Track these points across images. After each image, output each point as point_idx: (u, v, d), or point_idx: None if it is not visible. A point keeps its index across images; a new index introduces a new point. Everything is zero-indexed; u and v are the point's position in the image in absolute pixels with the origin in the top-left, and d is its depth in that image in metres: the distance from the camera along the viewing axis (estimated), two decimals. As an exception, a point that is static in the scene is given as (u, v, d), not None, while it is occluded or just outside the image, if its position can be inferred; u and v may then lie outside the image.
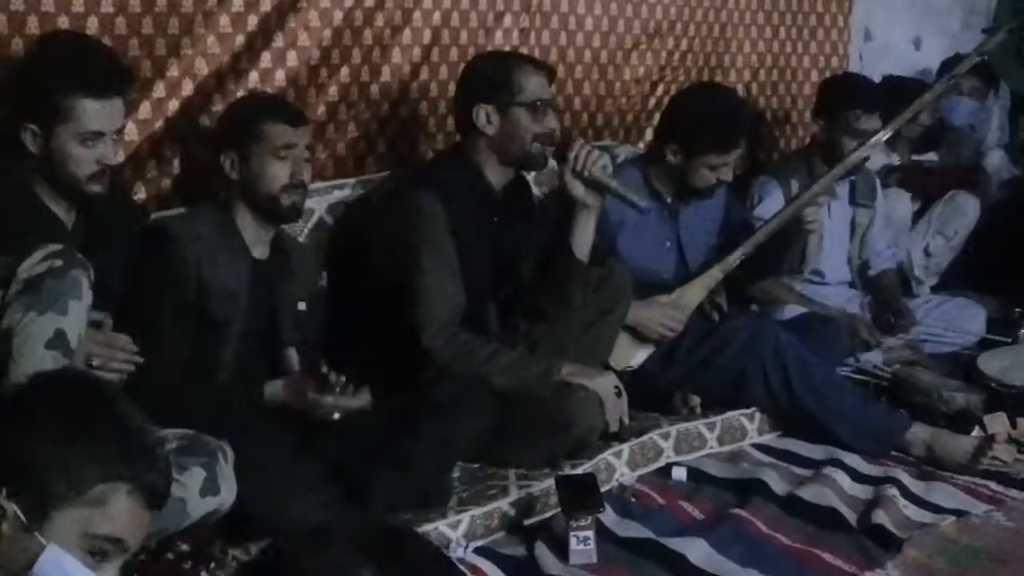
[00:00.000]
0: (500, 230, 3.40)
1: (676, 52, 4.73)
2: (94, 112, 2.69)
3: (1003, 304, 4.78)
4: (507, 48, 4.07)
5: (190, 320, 2.92)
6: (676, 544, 2.88)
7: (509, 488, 3.06)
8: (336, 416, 2.92)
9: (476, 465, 3.17)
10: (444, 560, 1.32)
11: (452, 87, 3.63)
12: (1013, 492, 3.37)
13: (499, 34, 4.13)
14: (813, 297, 4.33)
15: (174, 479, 2.40)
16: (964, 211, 5.05)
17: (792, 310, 4.21)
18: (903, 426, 3.66)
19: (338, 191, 3.57)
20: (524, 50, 4.09)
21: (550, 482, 3.04)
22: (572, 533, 2.81)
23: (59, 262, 2.42)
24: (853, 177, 4.38)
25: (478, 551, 2.86)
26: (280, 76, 3.55)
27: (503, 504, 3.00)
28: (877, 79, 4.97)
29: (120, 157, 2.91)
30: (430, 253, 3.22)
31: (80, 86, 2.68)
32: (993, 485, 3.41)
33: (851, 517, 3.14)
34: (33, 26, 3.03)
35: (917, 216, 5.07)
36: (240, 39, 3.46)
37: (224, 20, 3.42)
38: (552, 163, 3.41)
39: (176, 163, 3.36)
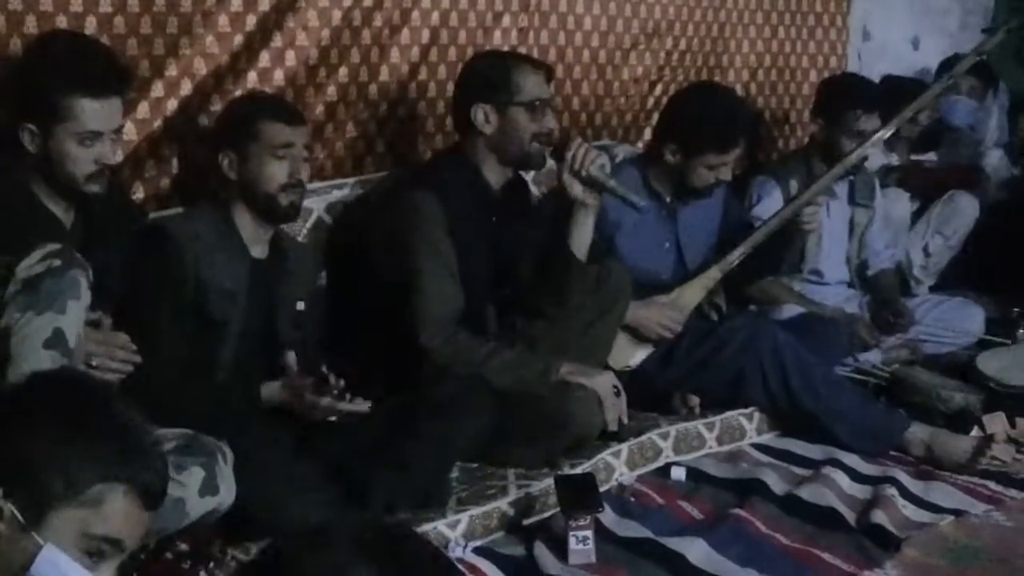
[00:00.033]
0: (498, 230, 3.40)
1: (675, 52, 4.73)
2: (92, 112, 2.69)
3: (1002, 304, 4.78)
4: (506, 48, 4.07)
5: (188, 320, 2.92)
6: (675, 544, 2.88)
7: (508, 488, 3.06)
8: (333, 418, 2.92)
9: (475, 465, 3.17)
10: (443, 560, 1.31)
11: (450, 87, 3.63)
12: (1012, 492, 3.38)
13: (498, 34, 4.12)
14: (812, 297, 4.33)
15: (173, 479, 2.41)
16: (963, 211, 5.05)
17: (791, 310, 4.21)
18: (902, 426, 3.66)
19: (337, 191, 3.57)
20: (523, 50, 4.09)
21: (549, 482, 3.04)
22: (571, 533, 2.81)
23: (57, 262, 2.42)
24: (852, 177, 4.38)
25: (477, 551, 2.86)
26: (279, 76, 3.55)
27: (502, 504, 2.99)
28: (876, 79, 4.97)
29: (119, 157, 2.91)
30: (428, 253, 3.22)
31: (78, 86, 2.68)
32: (992, 485, 3.41)
33: (850, 517, 3.14)
34: (31, 25, 3.02)
35: (916, 216, 5.07)
36: (239, 39, 3.45)
37: (223, 20, 3.41)
38: (551, 163, 3.41)
39: (174, 163, 3.35)
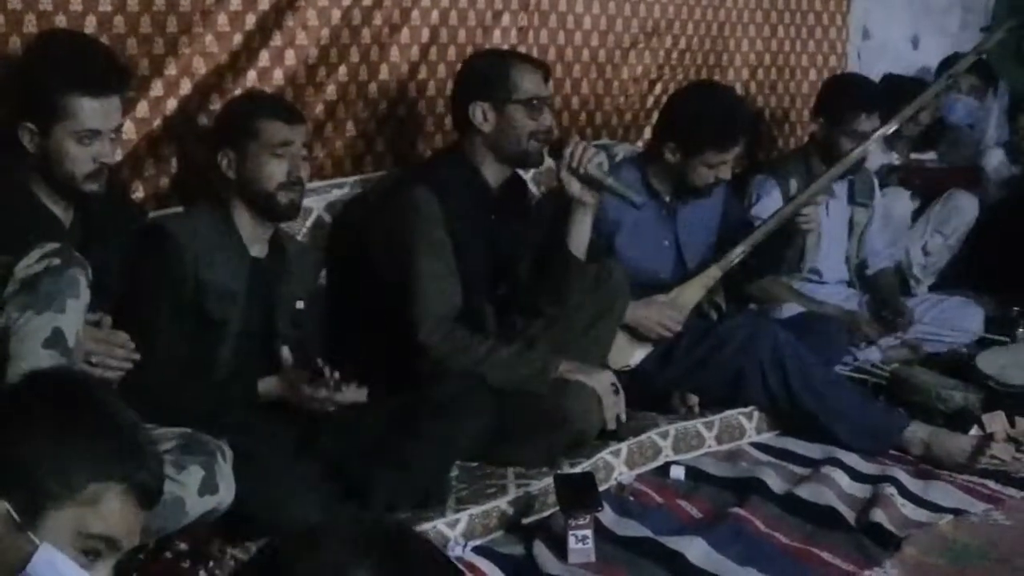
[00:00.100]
0: (497, 228, 3.40)
1: (674, 51, 4.72)
2: (91, 110, 2.69)
3: (1001, 303, 4.78)
4: (505, 47, 4.07)
5: (188, 319, 2.92)
6: (674, 543, 2.88)
7: (508, 487, 3.06)
8: (331, 409, 2.92)
9: (475, 464, 3.17)
10: (443, 559, 1.31)
11: (450, 86, 3.63)
12: (1011, 491, 3.37)
13: (497, 33, 4.12)
14: (811, 296, 4.32)
15: (172, 478, 2.42)
16: (962, 210, 5.05)
17: (790, 309, 4.21)
18: (901, 425, 3.66)
19: (336, 190, 3.57)
20: (522, 49, 4.09)
21: (548, 481, 3.04)
22: (571, 532, 2.81)
23: (57, 261, 2.42)
24: (851, 176, 4.38)
25: (476, 550, 2.86)
26: (278, 75, 3.54)
27: (502, 503, 2.99)
28: (875, 78, 4.97)
29: (118, 156, 2.91)
30: (427, 251, 3.22)
31: (78, 85, 2.68)
32: (991, 484, 3.41)
33: (849, 516, 3.14)
34: (31, 24, 3.02)
35: (916, 215, 5.07)
36: (238, 38, 3.45)
37: (222, 19, 3.41)
38: (550, 161, 3.41)
39: (174, 162, 3.35)
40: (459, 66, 3.59)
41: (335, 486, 2.82)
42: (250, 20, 3.47)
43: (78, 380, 1.83)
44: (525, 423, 3.14)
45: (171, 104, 3.32)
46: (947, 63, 5.12)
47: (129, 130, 3.19)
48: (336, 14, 3.68)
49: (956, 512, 3.22)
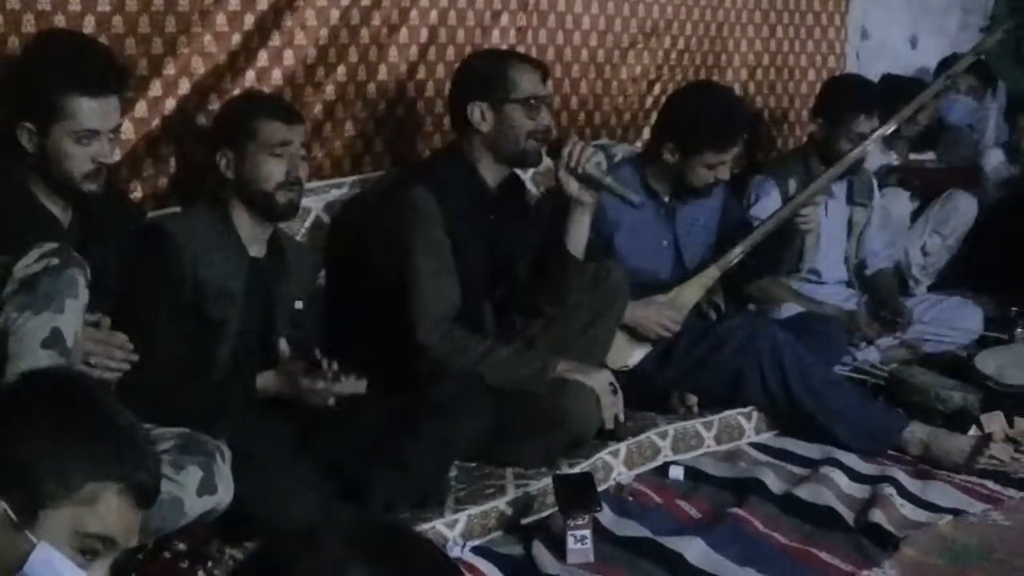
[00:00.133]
0: (495, 228, 3.40)
1: (673, 51, 4.72)
2: (90, 110, 2.69)
3: (1000, 303, 4.78)
4: (504, 47, 4.07)
5: (187, 319, 2.92)
6: (673, 543, 2.88)
7: (506, 487, 3.06)
8: (330, 402, 2.92)
9: (473, 464, 3.17)
10: (442, 558, 1.31)
11: (448, 86, 3.63)
12: (1010, 491, 3.38)
13: (496, 33, 4.12)
14: (810, 296, 4.33)
15: (171, 479, 2.42)
16: (961, 210, 5.05)
17: (789, 309, 4.21)
18: (900, 425, 3.66)
19: (335, 190, 3.57)
20: (521, 49, 4.08)
21: (547, 481, 3.04)
22: (569, 532, 2.81)
23: (55, 261, 2.42)
24: (850, 177, 4.38)
25: (475, 550, 2.86)
26: (277, 75, 3.54)
27: (500, 503, 2.99)
28: (874, 78, 4.97)
29: (116, 156, 2.90)
30: (425, 250, 3.22)
31: (76, 85, 2.68)
32: (990, 484, 3.41)
33: (848, 516, 3.14)
34: (29, 24, 3.02)
35: (915, 215, 5.08)
36: (237, 38, 3.45)
37: (221, 19, 3.41)
38: (549, 161, 3.41)
39: (172, 162, 3.35)
40: (457, 66, 3.58)
41: (334, 486, 2.81)
42: (248, 20, 3.47)
43: (75, 379, 1.82)
44: (524, 423, 3.14)
45: (170, 104, 3.32)
46: (946, 63, 5.13)
47: (128, 130, 3.19)
48: (334, 14, 3.67)
49: (955, 512, 3.22)
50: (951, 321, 4.58)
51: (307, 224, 3.45)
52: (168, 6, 3.29)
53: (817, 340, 3.87)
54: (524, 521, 3.01)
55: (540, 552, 2.85)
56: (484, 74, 3.37)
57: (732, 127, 3.79)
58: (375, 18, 3.79)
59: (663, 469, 3.43)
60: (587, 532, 2.82)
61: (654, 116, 4.32)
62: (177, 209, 3.21)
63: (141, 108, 3.26)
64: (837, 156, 4.14)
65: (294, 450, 2.89)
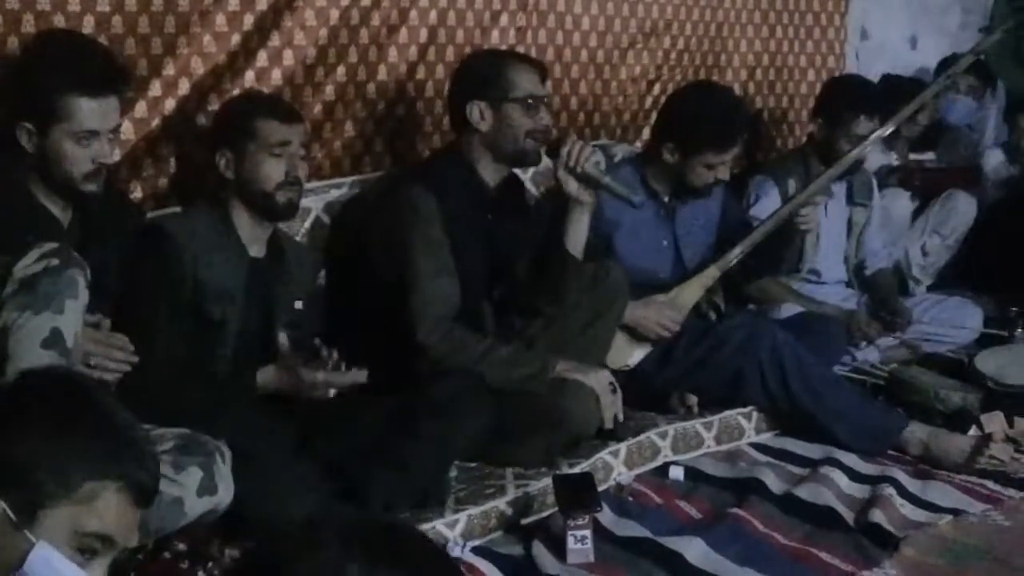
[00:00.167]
0: (494, 227, 3.40)
1: (673, 51, 4.72)
2: (90, 111, 2.69)
3: (1000, 303, 4.78)
4: (503, 47, 4.07)
5: (187, 319, 2.92)
6: (673, 543, 2.88)
7: (507, 487, 3.06)
8: (331, 393, 2.91)
9: (473, 464, 3.17)
10: (439, 554, 1.30)
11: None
12: (1010, 491, 3.38)
13: (495, 33, 4.12)
14: (810, 296, 4.33)
15: (171, 479, 2.42)
16: (960, 211, 5.05)
17: (789, 309, 4.21)
18: (900, 425, 3.66)
19: (335, 190, 3.57)
20: (521, 49, 4.09)
21: (547, 481, 3.04)
22: (570, 532, 2.81)
23: (55, 261, 2.42)
24: (850, 177, 4.38)
25: (475, 550, 2.85)
26: (276, 75, 3.54)
27: (500, 503, 2.99)
28: (874, 78, 4.97)
29: (116, 156, 2.90)
30: (425, 250, 3.22)
31: (76, 85, 2.68)
32: (990, 484, 3.41)
33: (848, 516, 3.14)
34: (29, 24, 3.02)
35: (915, 215, 5.08)
36: (236, 38, 3.45)
37: (220, 19, 3.41)
38: (549, 162, 3.41)
39: (172, 162, 3.35)
40: (456, 66, 3.58)
41: (334, 486, 2.81)
42: (248, 20, 3.47)
43: (73, 378, 1.82)
44: (523, 422, 3.14)
45: (169, 104, 3.32)
46: (945, 63, 5.13)
47: (127, 130, 3.19)
48: (334, 14, 3.67)
49: (955, 512, 3.22)
50: (951, 321, 4.58)
51: (307, 224, 3.45)
52: (167, 6, 3.29)
53: (817, 340, 3.87)
54: (524, 521, 3.01)
55: (540, 552, 2.85)
56: (483, 74, 3.37)
57: (732, 127, 3.79)
58: (374, 18, 3.79)
59: (663, 469, 3.43)
60: (587, 532, 2.82)
61: (654, 116, 4.32)
62: (177, 209, 3.20)
63: (141, 108, 3.26)
64: (837, 156, 4.14)
65: (294, 450, 2.90)
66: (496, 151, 3.37)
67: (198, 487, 2.50)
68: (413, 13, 3.89)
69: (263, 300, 3.04)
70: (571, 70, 4.41)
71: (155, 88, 3.29)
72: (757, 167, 4.60)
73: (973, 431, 3.69)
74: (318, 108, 3.67)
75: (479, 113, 3.33)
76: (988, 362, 4.10)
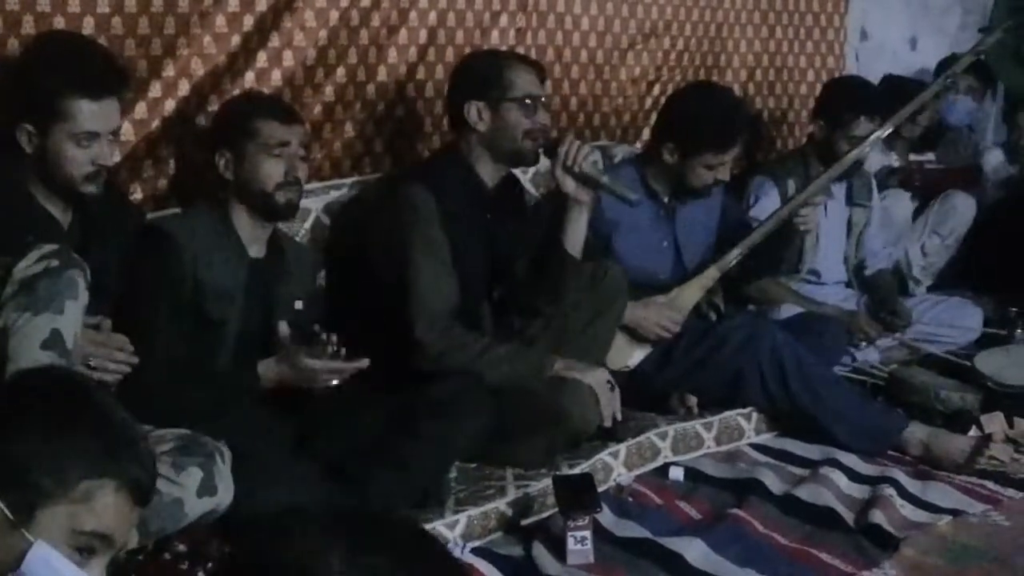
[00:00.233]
0: (493, 228, 3.40)
1: (672, 52, 4.73)
2: (90, 113, 2.69)
3: (1000, 303, 4.78)
4: (503, 48, 4.07)
5: (187, 319, 2.92)
6: (673, 544, 2.88)
7: (507, 488, 3.06)
8: (334, 382, 2.91)
9: (473, 465, 3.17)
10: (424, 539, 1.27)
11: (447, 86, 3.63)
12: (1010, 491, 3.37)
13: (495, 34, 4.12)
14: (810, 296, 4.33)
15: (171, 480, 2.43)
16: (959, 211, 5.05)
17: (789, 310, 4.21)
18: (900, 425, 3.66)
19: (335, 191, 3.57)
20: (520, 50, 4.08)
21: (547, 482, 3.04)
22: (569, 533, 2.81)
23: (55, 262, 2.42)
24: (850, 177, 4.38)
25: (475, 551, 2.85)
26: (276, 76, 3.54)
27: (500, 504, 2.99)
28: (874, 79, 4.97)
29: (116, 158, 2.90)
30: (424, 249, 3.22)
31: (76, 86, 2.68)
32: (990, 484, 3.41)
33: (848, 517, 3.14)
34: (29, 26, 3.02)
35: (916, 216, 5.07)
36: (236, 39, 3.45)
37: (220, 20, 3.41)
38: (546, 162, 3.41)
39: (172, 163, 3.35)
40: (454, 66, 3.59)
41: (334, 486, 2.81)
42: (248, 21, 3.47)
43: (70, 377, 1.83)
44: (523, 422, 3.14)
45: (169, 105, 3.32)
46: (945, 64, 5.12)
47: (127, 131, 3.19)
48: (334, 15, 3.68)
49: (955, 513, 3.22)
50: (951, 321, 4.58)
51: (307, 224, 3.45)
52: (167, 7, 3.30)
53: (817, 340, 3.87)
54: (524, 522, 3.01)
55: (540, 553, 2.85)
56: (481, 74, 3.37)
57: (732, 128, 3.79)
58: (374, 19, 3.79)
59: (663, 470, 3.43)
60: (587, 533, 2.82)
61: (654, 116, 4.32)
62: (177, 210, 3.21)
63: (141, 109, 3.26)
64: (837, 157, 4.14)
65: (294, 450, 2.90)
66: (494, 151, 3.37)
67: (198, 488, 2.51)
68: (413, 14, 3.89)
69: (263, 300, 3.05)
70: (571, 70, 4.41)
71: (155, 89, 3.29)
72: (757, 167, 4.60)
73: (973, 431, 3.69)
74: (318, 109, 3.67)
75: (477, 113, 3.33)
76: (988, 362, 4.10)
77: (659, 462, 3.46)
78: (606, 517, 3.02)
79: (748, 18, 4.98)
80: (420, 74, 3.92)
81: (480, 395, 3.09)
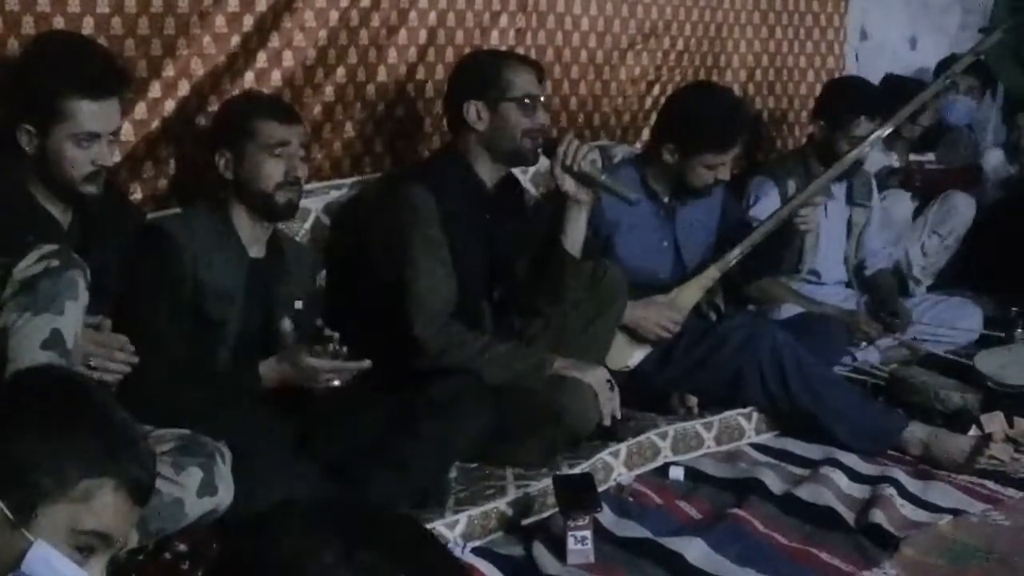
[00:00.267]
0: (492, 227, 3.40)
1: (672, 52, 4.72)
2: (90, 113, 2.69)
3: (1000, 303, 4.78)
4: (503, 48, 4.07)
5: (187, 320, 2.92)
6: (674, 544, 2.88)
7: (507, 488, 3.06)
8: (335, 383, 2.91)
9: (474, 465, 3.17)
10: (419, 533, 1.27)
11: (446, 86, 3.63)
12: (1010, 491, 3.37)
13: (495, 34, 4.12)
14: (810, 296, 4.33)
15: (171, 480, 2.43)
16: (959, 211, 5.05)
17: (789, 309, 4.21)
18: (900, 425, 3.66)
19: (335, 191, 3.57)
20: (520, 50, 4.08)
21: (548, 482, 3.04)
22: (570, 533, 2.81)
23: (55, 262, 2.42)
24: (850, 177, 4.38)
25: (476, 551, 2.85)
26: (276, 76, 3.54)
27: (501, 504, 2.99)
28: (874, 79, 4.97)
29: (116, 158, 2.91)
30: (423, 248, 3.22)
31: (76, 87, 2.68)
32: (990, 484, 3.41)
33: (848, 516, 3.14)
34: (29, 26, 3.02)
35: (916, 216, 5.07)
36: (236, 39, 3.45)
37: (220, 20, 3.41)
38: (546, 162, 3.41)
39: (172, 163, 3.35)
40: (453, 66, 3.59)
41: (334, 486, 2.81)
42: (248, 22, 3.47)
43: (69, 377, 1.83)
44: (523, 422, 3.14)
45: (169, 105, 3.32)
46: (945, 64, 5.12)
47: (127, 131, 3.19)
48: (334, 16, 3.67)
49: (955, 512, 3.22)
50: (951, 321, 4.58)
51: (307, 224, 3.45)
52: (167, 8, 3.29)
53: (817, 340, 3.88)
54: (524, 522, 3.01)
55: (540, 553, 2.85)
56: (480, 73, 3.37)
57: (732, 128, 3.79)
58: (374, 19, 3.79)
59: (663, 470, 3.43)
60: (587, 533, 2.82)
61: (654, 117, 4.32)
62: (177, 210, 3.21)
63: (140, 109, 3.26)
64: (837, 157, 4.14)
65: (294, 450, 2.90)
66: (493, 151, 3.37)
67: (198, 488, 2.51)
68: (412, 14, 3.89)
69: (263, 300, 3.05)
70: (571, 71, 4.41)
71: (155, 89, 3.29)
72: (757, 167, 4.60)
73: (973, 431, 3.69)
74: (318, 109, 3.67)
75: (476, 113, 3.33)
76: (988, 362, 4.10)
77: (659, 462, 3.46)
78: (606, 517, 3.02)
79: (748, 18, 4.98)
80: (420, 74, 3.92)
81: (480, 395, 3.09)
